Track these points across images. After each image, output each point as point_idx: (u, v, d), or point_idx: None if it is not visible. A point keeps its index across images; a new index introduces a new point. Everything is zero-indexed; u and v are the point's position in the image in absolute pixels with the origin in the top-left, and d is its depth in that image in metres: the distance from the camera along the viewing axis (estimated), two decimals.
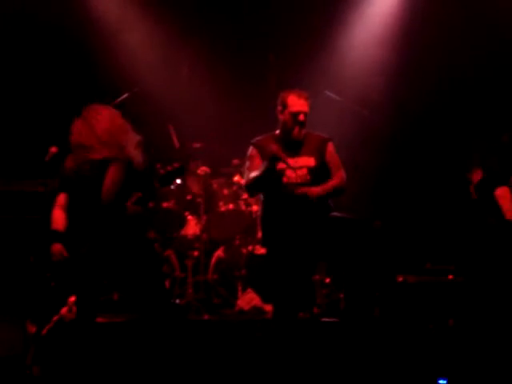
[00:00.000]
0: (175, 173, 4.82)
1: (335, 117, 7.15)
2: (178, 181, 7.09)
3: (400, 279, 6.06)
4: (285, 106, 5.05)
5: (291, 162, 4.99)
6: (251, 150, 5.17)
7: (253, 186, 5.10)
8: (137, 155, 4.83)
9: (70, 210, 4.81)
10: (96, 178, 4.70)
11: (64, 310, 5.64)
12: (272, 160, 4.85)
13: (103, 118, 4.80)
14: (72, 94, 7.22)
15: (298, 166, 5.01)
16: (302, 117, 5.01)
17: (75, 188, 4.77)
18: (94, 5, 7.79)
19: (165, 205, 6.91)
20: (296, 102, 5.02)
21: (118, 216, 4.72)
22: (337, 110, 7.19)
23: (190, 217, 7.07)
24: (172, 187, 7.05)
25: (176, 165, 4.80)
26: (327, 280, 6.50)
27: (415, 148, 7.77)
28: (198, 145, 7.20)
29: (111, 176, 4.69)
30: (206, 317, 6.30)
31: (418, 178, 7.74)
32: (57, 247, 4.73)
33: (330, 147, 5.17)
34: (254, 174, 5.01)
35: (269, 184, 4.98)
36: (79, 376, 4.70)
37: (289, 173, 4.99)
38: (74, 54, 7.80)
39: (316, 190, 4.94)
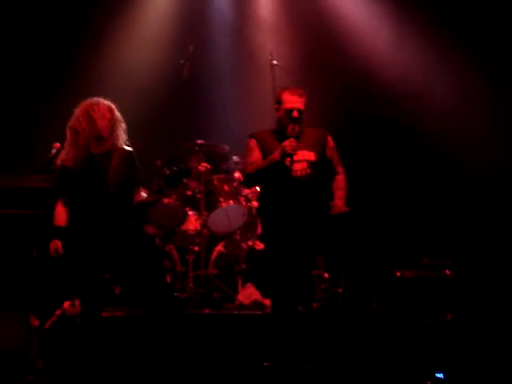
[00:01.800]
0: (181, 174, 4.84)
1: None
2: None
3: (398, 274, 6.11)
4: (280, 103, 5.11)
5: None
6: (251, 141, 5.19)
7: (256, 176, 5.12)
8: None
9: (73, 204, 4.83)
10: (98, 171, 4.76)
11: (67, 304, 5.72)
12: (284, 156, 4.89)
13: (103, 111, 4.84)
14: (73, 90, 7.26)
15: (298, 160, 5.04)
16: (295, 113, 5.05)
17: (77, 183, 4.79)
18: None
19: (166, 200, 6.95)
20: (289, 99, 5.06)
21: (122, 209, 4.78)
22: None
23: (190, 212, 7.12)
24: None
25: (182, 166, 4.82)
26: (326, 275, 6.54)
27: (411, 143, 7.80)
28: (199, 141, 7.24)
29: (114, 167, 4.75)
30: (206, 311, 6.34)
31: (417, 172, 7.78)
32: (54, 244, 4.77)
33: (331, 142, 5.21)
34: (259, 164, 5.04)
35: (275, 175, 5.02)
36: (81, 369, 4.76)
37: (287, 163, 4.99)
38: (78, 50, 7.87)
39: (343, 206, 5.03)
